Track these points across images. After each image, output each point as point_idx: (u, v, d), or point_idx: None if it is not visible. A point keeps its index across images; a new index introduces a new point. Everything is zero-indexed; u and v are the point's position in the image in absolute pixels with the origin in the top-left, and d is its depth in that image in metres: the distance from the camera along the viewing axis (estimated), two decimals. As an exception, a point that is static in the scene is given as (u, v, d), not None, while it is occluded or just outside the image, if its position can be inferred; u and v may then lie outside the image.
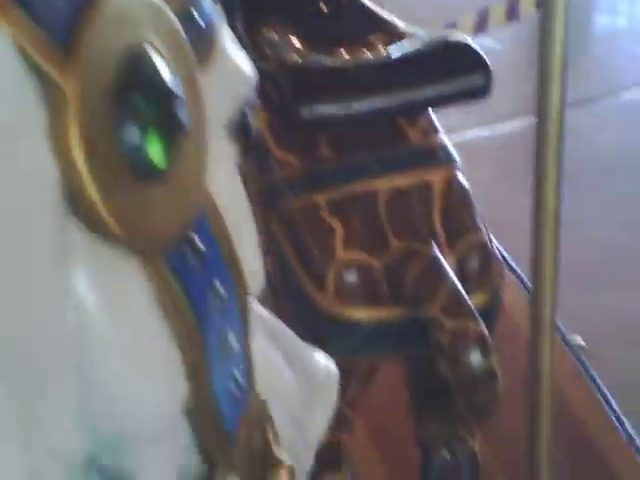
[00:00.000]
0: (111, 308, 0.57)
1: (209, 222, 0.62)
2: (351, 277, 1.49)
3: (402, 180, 1.51)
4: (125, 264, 0.58)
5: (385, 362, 1.61)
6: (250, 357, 0.70)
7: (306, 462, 0.82)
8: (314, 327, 1.55)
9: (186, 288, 0.60)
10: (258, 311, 0.79)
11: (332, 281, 1.49)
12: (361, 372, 1.58)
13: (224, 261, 0.64)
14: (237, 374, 0.69)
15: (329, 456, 1.70)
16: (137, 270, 0.58)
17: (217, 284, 0.63)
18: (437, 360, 1.49)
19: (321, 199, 1.51)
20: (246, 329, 0.68)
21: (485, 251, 1.51)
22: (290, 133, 1.57)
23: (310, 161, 1.55)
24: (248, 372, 0.70)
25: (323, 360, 0.84)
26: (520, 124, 2.81)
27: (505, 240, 2.10)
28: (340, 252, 1.49)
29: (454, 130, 2.73)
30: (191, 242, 0.61)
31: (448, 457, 1.63)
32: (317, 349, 0.85)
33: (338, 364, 1.62)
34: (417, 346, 1.52)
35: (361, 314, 1.50)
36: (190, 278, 0.61)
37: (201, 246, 0.61)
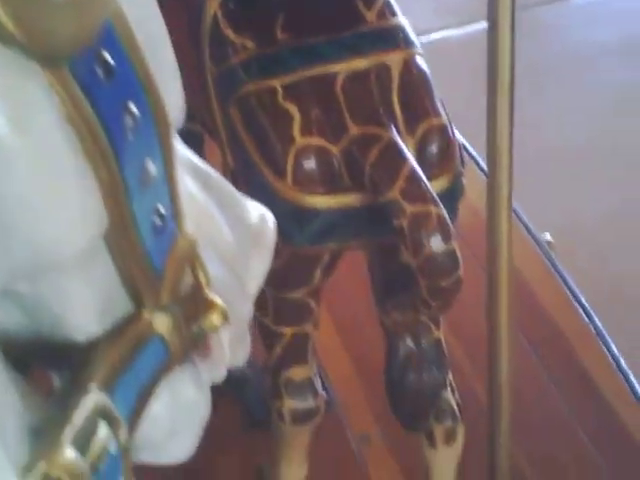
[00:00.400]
0: (12, 117, 0.55)
1: (119, 38, 0.60)
2: (310, 164, 1.46)
3: (359, 63, 1.48)
4: (29, 74, 0.55)
5: (348, 251, 1.60)
6: (175, 191, 0.68)
7: (243, 310, 0.81)
8: (275, 216, 1.53)
9: (96, 104, 0.58)
10: (187, 155, 0.77)
11: (291, 168, 1.47)
12: (323, 261, 1.57)
13: (138, 81, 0.61)
14: (161, 207, 0.67)
15: (295, 349, 1.69)
16: (42, 81, 0.56)
17: (131, 105, 0.61)
18: (399, 246, 1.48)
19: (277, 83, 1.48)
20: (168, 160, 0.67)
21: (445, 135, 1.49)
22: (245, 14, 1.54)
23: (265, 44, 1.52)
24: (173, 206, 0.68)
25: (258, 208, 0.83)
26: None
27: (468, 137, 2.09)
28: (298, 138, 1.46)
29: (423, 33, 2.70)
30: (100, 57, 0.59)
31: (413, 346, 1.63)
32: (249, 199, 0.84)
33: (301, 254, 1.62)
34: (379, 233, 1.51)
35: (321, 201, 1.48)
36: (100, 94, 0.59)
37: (111, 61, 0.59)
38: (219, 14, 1.57)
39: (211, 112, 1.62)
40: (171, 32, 1.83)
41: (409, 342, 1.62)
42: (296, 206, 1.48)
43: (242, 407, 2.08)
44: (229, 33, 1.55)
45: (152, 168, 0.64)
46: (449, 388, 1.68)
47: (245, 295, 0.80)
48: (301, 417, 1.73)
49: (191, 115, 1.88)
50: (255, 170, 1.51)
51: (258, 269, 0.82)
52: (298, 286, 1.60)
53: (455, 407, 1.69)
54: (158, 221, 0.66)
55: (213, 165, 1.54)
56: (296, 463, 1.88)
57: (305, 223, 1.50)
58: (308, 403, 1.73)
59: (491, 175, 1.40)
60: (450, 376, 1.68)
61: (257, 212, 0.82)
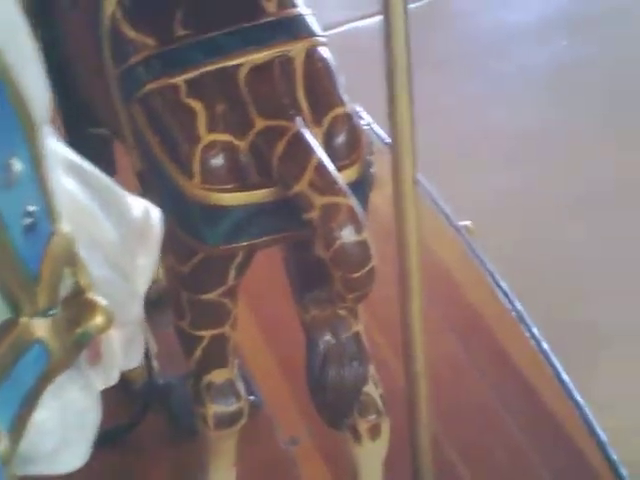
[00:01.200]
0: None
1: None
2: (217, 161, 1.44)
3: (261, 55, 1.46)
4: None
5: (262, 248, 1.57)
6: (47, 189, 0.65)
7: (133, 310, 0.78)
8: (186, 217, 1.51)
9: None
10: (65, 153, 0.75)
11: (197, 167, 1.44)
12: (237, 260, 1.55)
13: None
14: (30, 206, 0.64)
15: (214, 352, 1.66)
16: None
17: None
18: (312, 240, 1.46)
19: (179, 80, 1.45)
20: (37, 157, 0.64)
21: (352, 125, 1.47)
22: (143, 12, 1.51)
23: (166, 41, 1.49)
24: (45, 205, 0.65)
25: (142, 204, 0.80)
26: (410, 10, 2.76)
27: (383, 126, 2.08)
28: (204, 135, 1.43)
29: (333, 26, 2.70)
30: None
31: (332, 341, 1.61)
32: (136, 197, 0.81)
33: (214, 254, 1.59)
34: (292, 228, 1.48)
35: (230, 199, 1.45)
36: None
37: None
38: (117, 13, 1.54)
39: (115, 114, 1.59)
40: (74, 38, 1.79)
41: (328, 337, 1.60)
42: (205, 205, 1.46)
43: (169, 416, 2.05)
44: (128, 32, 1.52)
45: (17, 166, 0.61)
46: (372, 382, 1.66)
47: (133, 294, 0.78)
48: (225, 421, 1.71)
49: (97, 120, 1.86)
50: (162, 171, 1.49)
51: (145, 265, 0.79)
52: (213, 287, 1.58)
53: (379, 401, 1.67)
54: (28, 220, 0.63)
55: (123, 168, 1.50)
56: (224, 469, 1.85)
57: (216, 222, 1.47)
58: (231, 407, 1.70)
59: (395, 161, 1.41)
60: (373, 370, 1.67)
61: (140, 207, 0.79)
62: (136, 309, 0.79)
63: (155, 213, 0.82)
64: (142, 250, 0.79)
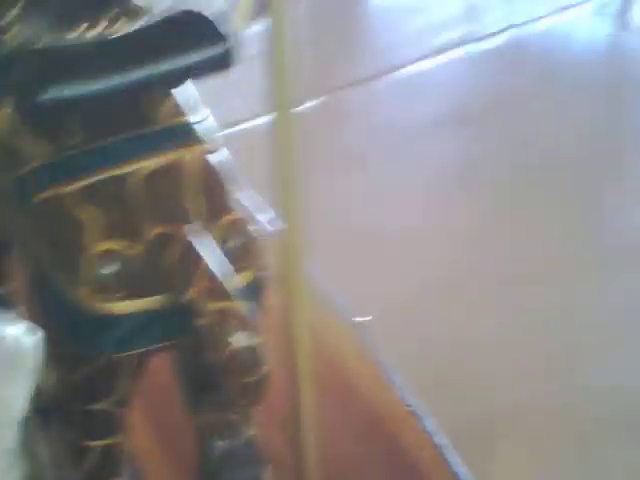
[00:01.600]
0: None
1: None
2: (106, 270, 1.44)
3: (152, 163, 1.48)
4: None
5: (155, 356, 1.56)
6: None
7: (8, 437, 0.77)
8: (74, 326, 1.49)
9: None
10: None
11: (86, 276, 1.44)
12: (129, 368, 1.53)
13: None
14: None
15: (107, 461, 1.63)
16: None
17: None
18: (203, 346, 1.46)
19: (70, 189, 1.46)
20: None
21: (245, 230, 1.50)
22: (36, 120, 1.51)
23: (58, 149, 1.50)
24: None
25: (13, 330, 0.80)
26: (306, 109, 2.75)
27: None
28: (92, 244, 1.43)
29: (244, 120, 2.70)
30: None
31: (226, 446, 1.60)
32: (11, 320, 0.81)
33: (105, 362, 1.57)
34: (183, 335, 1.48)
35: (121, 307, 1.45)
36: None
37: None
38: (11, 122, 1.53)
39: (7, 221, 1.58)
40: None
41: (222, 442, 1.59)
42: (96, 314, 1.45)
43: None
44: (19, 142, 1.52)
45: None
46: (268, 483, 1.66)
47: (9, 420, 0.77)
48: None
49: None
50: (52, 280, 1.47)
51: (18, 394, 0.79)
52: (106, 396, 1.55)
53: (275, 504, 1.67)
54: None
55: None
56: None
57: (107, 331, 1.46)
58: None
59: (285, 254, 1.45)
60: (269, 472, 1.66)
61: (13, 332, 0.79)
62: (11, 435, 0.78)
63: (29, 338, 0.82)
64: (12, 378, 0.78)
